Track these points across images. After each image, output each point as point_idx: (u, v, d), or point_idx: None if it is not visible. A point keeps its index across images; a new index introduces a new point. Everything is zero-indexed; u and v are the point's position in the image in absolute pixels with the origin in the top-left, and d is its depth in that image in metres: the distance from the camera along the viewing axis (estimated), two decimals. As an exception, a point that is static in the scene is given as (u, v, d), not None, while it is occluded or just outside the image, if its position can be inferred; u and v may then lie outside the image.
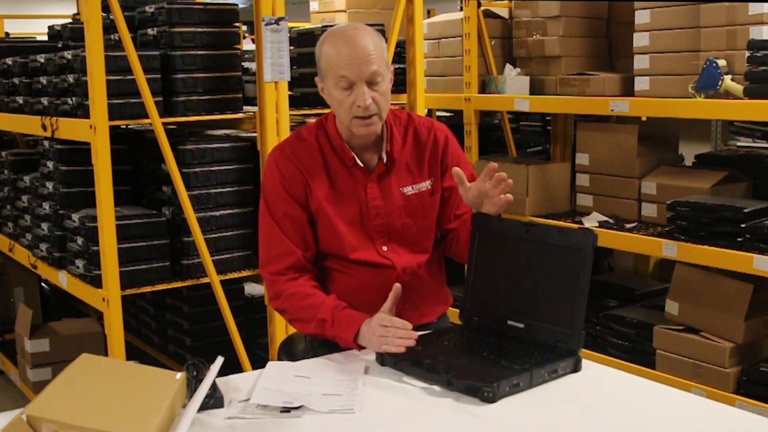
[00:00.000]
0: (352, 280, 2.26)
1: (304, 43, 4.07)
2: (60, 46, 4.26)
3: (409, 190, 2.28)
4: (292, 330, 3.46)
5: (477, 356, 1.98)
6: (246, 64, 4.13)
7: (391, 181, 2.26)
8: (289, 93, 3.55)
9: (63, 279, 3.60)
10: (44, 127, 3.51)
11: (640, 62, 3.70)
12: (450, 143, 2.34)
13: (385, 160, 2.25)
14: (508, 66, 4.43)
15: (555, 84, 4.17)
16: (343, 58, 2.12)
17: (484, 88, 4.54)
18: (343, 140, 2.25)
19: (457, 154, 2.35)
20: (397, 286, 2.15)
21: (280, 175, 2.23)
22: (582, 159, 4.14)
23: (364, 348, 2.10)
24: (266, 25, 3.36)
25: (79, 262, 3.46)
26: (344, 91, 2.14)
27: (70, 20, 5.07)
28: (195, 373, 1.75)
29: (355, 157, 2.24)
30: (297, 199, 2.22)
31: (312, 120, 4.01)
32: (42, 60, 3.75)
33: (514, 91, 4.30)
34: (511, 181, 2.10)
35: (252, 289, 4.49)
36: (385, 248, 2.26)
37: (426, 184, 2.30)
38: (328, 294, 2.21)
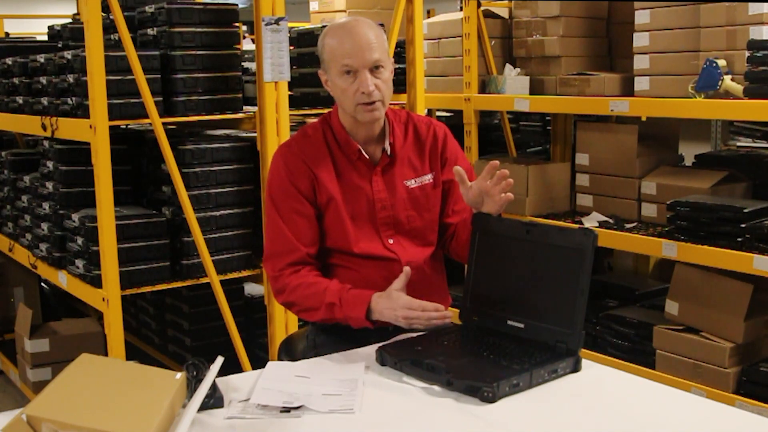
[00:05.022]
0: (355, 275, 2.27)
1: (304, 43, 4.07)
2: (60, 46, 4.26)
3: (412, 183, 2.31)
4: (292, 330, 3.47)
5: (477, 356, 1.98)
6: (246, 64, 4.13)
7: (394, 174, 2.30)
8: (289, 93, 3.56)
9: (63, 279, 3.60)
10: (44, 127, 3.51)
11: (640, 62, 3.70)
12: (448, 138, 2.39)
13: (389, 152, 2.28)
14: (508, 66, 4.43)
15: (555, 84, 4.17)
16: (346, 47, 2.16)
17: (484, 88, 4.54)
18: (347, 134, 2.27)
19: (455, 149, 2.39)
20: (407, 268, 2.16)
21: (287, 170, 2.25)
22: (582, 159, 4.14)
23: (376, 323, 2.12)
24: (266, 25, 3.36)
25: (79, 262, 3.46)
26: (348, 79, 2.17)
27: (70, 20, 5.07)
28: (195, 373, 1.75)
29: (361, 149, 2.26)
30: (304, 194, 2.24)
31: (312, 120, 4.02)
32: (42, 60, 3.75)
33: (514, 91, 4.30)
34: (512, 180, 2.12)
35: (252, 289, 4.49)
36: (391, 241, 2.29)
37: (428, 177, 2.33)
38: None
